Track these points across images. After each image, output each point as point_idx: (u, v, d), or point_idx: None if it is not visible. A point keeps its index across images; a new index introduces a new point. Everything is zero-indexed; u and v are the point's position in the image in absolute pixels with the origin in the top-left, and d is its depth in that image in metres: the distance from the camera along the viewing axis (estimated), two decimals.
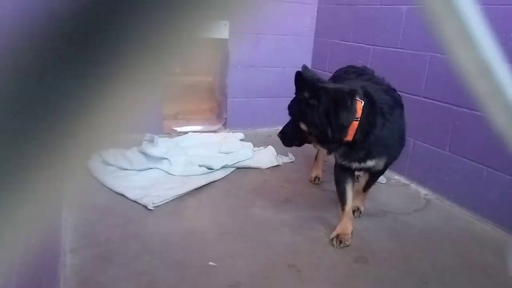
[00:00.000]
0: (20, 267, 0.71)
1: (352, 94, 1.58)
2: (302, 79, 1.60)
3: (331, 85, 1.68)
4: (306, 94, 1.59)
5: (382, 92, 1.64)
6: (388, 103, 1.62)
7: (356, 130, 1.57)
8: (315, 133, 1.62)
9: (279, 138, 1.83)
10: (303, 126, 1.64)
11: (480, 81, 0.25)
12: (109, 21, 0.16)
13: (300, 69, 1.64)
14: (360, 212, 1.95)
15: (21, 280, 0.72)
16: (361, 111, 1.57)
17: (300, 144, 1.79)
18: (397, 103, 1.67)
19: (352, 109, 1.56)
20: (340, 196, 1.79)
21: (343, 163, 1.71)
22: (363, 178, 1.95)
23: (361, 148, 1.62)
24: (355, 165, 1.68)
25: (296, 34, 3.28)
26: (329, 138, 1.59)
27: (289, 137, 1.78)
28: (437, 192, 2.24)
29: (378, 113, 1.59)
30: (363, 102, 1.58)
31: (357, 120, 1.57)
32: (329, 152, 1.72)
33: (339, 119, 1.55)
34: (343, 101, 1.55)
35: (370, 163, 1.67)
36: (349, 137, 1.59)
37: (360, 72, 1.92)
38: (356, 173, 1.96)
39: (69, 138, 0.17)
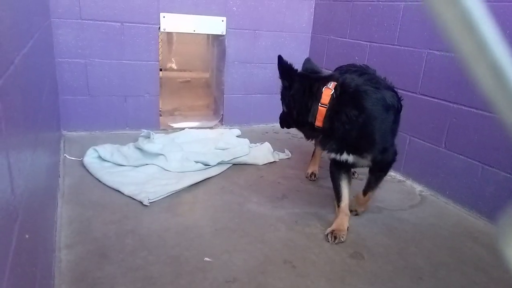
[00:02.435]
0: (13, 263, 0.71)
1: (321, 81, 1.64)
2: (281, 64, 1.72)
3: (311, 74, 1.77)
4: (281, 78, 1.74)
5: (368, 87, 1.58)
6: (371, 99, 1.56)
7: (324, 117, 1.61)
8: (288, 112, 1.76)
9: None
10: (283, 107, 1.80)
11: (465, 40, 0.24)
12: None
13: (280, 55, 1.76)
14: (357, 213, 1.91)
15: (14, 276, 0.71)
16: (328, 98, 1.60)
17: (288, 126, 1.89)
18: (384, 102, 1.59)
19: (316, 95, 1.62)
20: (336, 192, 1.80)
21: (324, 151, 1.77)
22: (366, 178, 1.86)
23: (331, 137, 1.66)
24: (332, 155, 1.71)
25: (294, 31, 3.27)
26: (295, 120, 1.73)
27: (280, 118, 1.89)
28: (432, 188, 2.25)
29: (349, 104, 1.57)
30: (333, 90, 1.60)
31: (323, 107, 1.60)
32: (307, 138, 1.90)
33: (301, 102, 1.67)
34: (309, 87, 1.66)
35: (348, 157, 1.67)
36: (318, 122, 1.63)
37: (362, 71, 1.83)
38: (353, 169, 1.95)
39: None
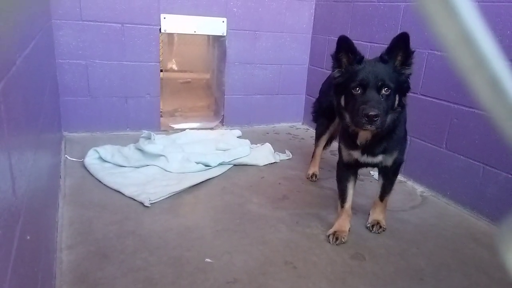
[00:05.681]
0: (15, 263, 0.71)
1: None
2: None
3: None
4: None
5: None
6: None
7: None
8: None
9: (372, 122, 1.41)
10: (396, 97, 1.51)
11: (464, 54, 0.25)
12: None
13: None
14: (381, 227, 1.79)
15: (16, 276, 0.71)
16: None
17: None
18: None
19: None
20: (341, 193, 1.78)
21: (360, 156, 1.71)
22: (378, 184, 1.82)
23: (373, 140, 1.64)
24: (368, 158, 1.68)
25: (294, 31, 3.27)
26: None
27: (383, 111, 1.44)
28: (433, 189, 2.24)
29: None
30: None
31: None
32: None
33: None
34: None
35: (378, 158, 1.68)
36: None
37: None
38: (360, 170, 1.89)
39: None
